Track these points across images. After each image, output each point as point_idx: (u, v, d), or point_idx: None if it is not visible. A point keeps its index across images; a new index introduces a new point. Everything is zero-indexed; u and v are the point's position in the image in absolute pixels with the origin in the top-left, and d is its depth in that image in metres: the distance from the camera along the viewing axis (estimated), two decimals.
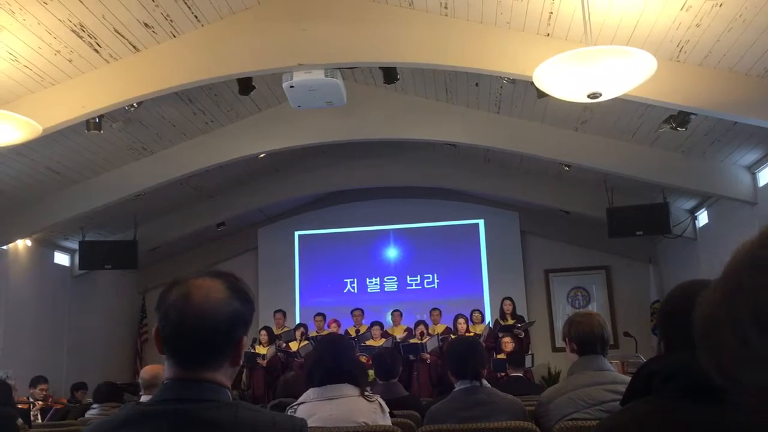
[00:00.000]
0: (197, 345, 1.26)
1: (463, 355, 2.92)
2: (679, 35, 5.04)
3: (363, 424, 2.53)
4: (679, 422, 1.20)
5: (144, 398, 3.71)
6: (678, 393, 1.22)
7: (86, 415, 5.37)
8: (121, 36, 5.53)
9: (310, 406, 2.59)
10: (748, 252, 0.61)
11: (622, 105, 6.29)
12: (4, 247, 8.65)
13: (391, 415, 2.88)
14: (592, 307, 11.45)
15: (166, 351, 1.27)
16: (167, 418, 1.20)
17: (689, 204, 9.18)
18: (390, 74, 6.54)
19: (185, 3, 5.38)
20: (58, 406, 7.12)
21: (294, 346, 9.39)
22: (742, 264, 0.61)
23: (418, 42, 5.57)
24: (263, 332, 9.58)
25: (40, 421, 6.47)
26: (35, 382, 7.48)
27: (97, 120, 6.40)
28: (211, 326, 1.26)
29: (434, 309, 10.09)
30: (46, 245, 9.59)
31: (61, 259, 10.06)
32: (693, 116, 6.19)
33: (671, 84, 5.36)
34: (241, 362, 1.33)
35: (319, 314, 10.13)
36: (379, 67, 6.52)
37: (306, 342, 9.30)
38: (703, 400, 1.20)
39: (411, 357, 8.97)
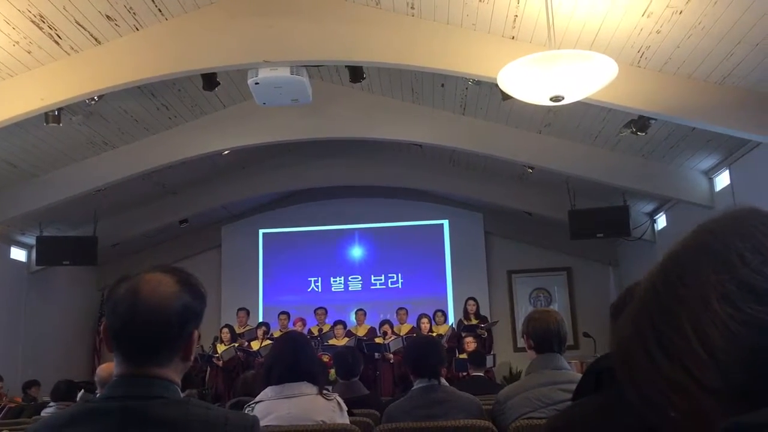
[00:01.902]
0: (147, 340, 1.24)
1: (422, 353, 2.93)
2: (640, 41, 5.13)
3: (321, 423, 2.52)
4: (628, 417, 1.22)
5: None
6: None
7: (42, 414, 5.26)
8: (83, 28, 5.42)
9: (267, 404, 2.58)
10: (649, 279, 0.64)
11: (585, 109, 6.39)
12: None
13: (351, 413, 2.87)
14: (554, 308, 11.58)
15: (115, 347, 1.25)
16: (115, 416, 1.18)
17: (648, 207, 9.35)
18: (356, 73, 6.53)
19: None
20: (12, 405, 6.96)
21: (255, 345, 9.32)
22: (645, 291, 0.64)
23: (384, 41, 5.58)
24: (225, 330, 9.50)
25: None
26: None
27: (57, 113, 6.27)
28: (161, 320, 1.24)
29: (401, 308, 10.11)
30: (1, 240, 9.36)
31: (18, 254, 9.82)
32: (653, 121, 6.31)
33: (632, 89, 5.45)
34: (193, 358, 1.31)
35: (283, 313, 10.08)
36: (346, 66, 6.51)
37: (268, 342, 9.24)
38: None
39: (376, 355, 8.97)
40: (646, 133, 6.58)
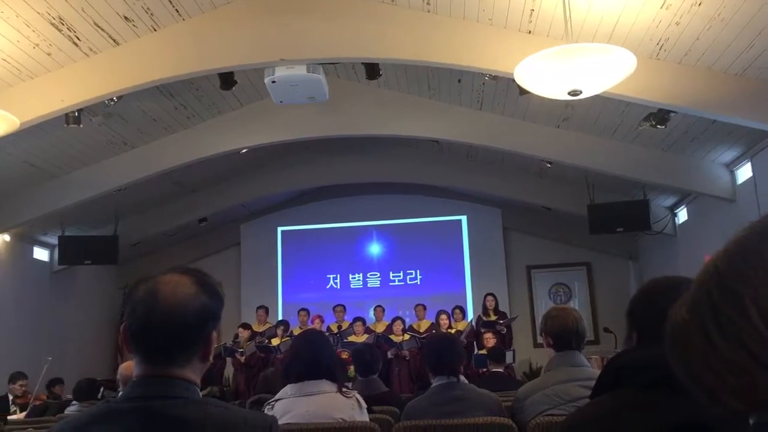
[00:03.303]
0: (166, 341, 1.25)
1: (440, 351, 2.93)
2: (658, 33, 5.07)
3: (340, 421, 2.53)
4: (647, 414, 1.21)
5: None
6: (647, 385, 1.23)
7: (65, 412, 5.34)
8: (101, 29, 5.47)
9: (287, 402, 2.59)
10: (710, 264, 0.67)
11: (603, 102, 6.33)
12: None
13: (370, 411, 2.88)
14: (574, 303, 11.52)
15: (134, 348, 1.26)
16: (135, 416, 1.19)
17: (669, 201, 9.26)
18: (372, 70, 6.53)
19: None
20: (37, 402, 7.06)
21: (275, 342, 9.37)
22: (705, 274, 0.67)
23: (400, 38, 5.57)
24: (241, 329, 9.55)
25: (19, 416, 6.41)
26: (14, 378, 7.42)
27: (77, 114, 6.33)
28: (180, 321, 1.25)
29: (419, 305, 10.10)
30: (25, 240, 9.48)
31: (41, 254, 9.94)
32: (672, 114, 6.24)
33: (651, 82, 5.40)
34: (211, 358, 1.32)
35: (302, 310, 10.11)
36: (362, 63, 6.52)
37: (287, 338, 9.28)
38: (672, 392, 1.22)
39: (389, 354, 8.97)
40: (665, 126, 6.51)
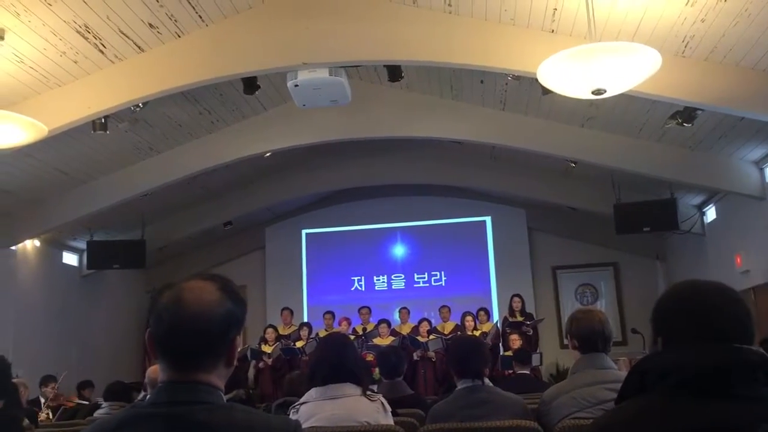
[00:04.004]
0: (191, 346, 1.26)
1: (465, 354, 2.92)
2: (684, 30, 5.01)
3: (365, 424, 2.53)
4: (673, 418, 1.20)
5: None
6: (672, 389, 1.22)
7: (95, 414, 5.40)
8: (126, 36, 5.54)
9: (312, 405, 2.60)
10: None
11: (628, 101, 6.27)
12: (13, 248, 8.70)
13: (395, 413, 2.88)
14: (600, 304, 11.42)
15: (160, 354, 1.27)
16: (161, 421, 1.20)
17: (697, 200, 9.13)
18: (394, 72, 6.53)
19: (189, 3, 5.39)
20: (69, 405, 7.16)
21: (300, 344, 9.41)
22: None
23: (422, 40, 5.56)
24: (270, 330, 9.61)
25: (51, 419, 6.51)
26: (45, 381, 7.53)
27: (103, 120, 6.42)
28: (205, 327, 1.26)
29: (443, 306, 10.07)
30: (54, 245, 9.64)
31: (70, 259, 10.11)
32: (699, 112, 6.15)
33: (677, 79, 5.33)
34: (235, 363, 1.33)
35: (328, 312, 10.12)
36: (384, 65, 6.52)
37: (312, 340, 9.31)
38: (697, 395, 1.20)
39: (415, 356, 8.96)
40: (692, 125, 6.42)
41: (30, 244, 9.10)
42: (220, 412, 1.24)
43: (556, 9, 5.09)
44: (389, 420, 2.64)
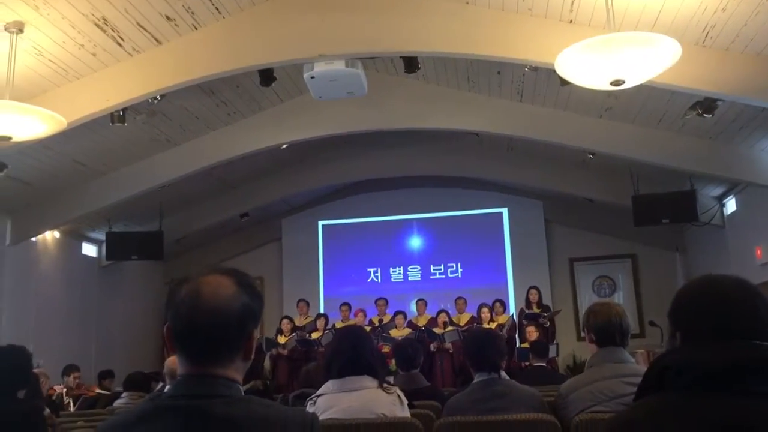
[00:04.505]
0: (208, 340, 1.27)
1: (482, 347, 2.91)
2: (705, 19, 4.94)
3: (381, 416, 2.54)
4: (691, 415, 1.19)
5: (168, 388, 3.77)
6: (691, 385, 1.21)
7: (114, 404, 5.47)
8: (144, 29, 5.56)
9: (329, 397, 2.61)
10: None
11: (647, 91, 6.20)
12: (33, 239, 8.80)
13: (411, 405, 2.88)
14: (618, 296, 11.35)
15: (178, 347, 1.29)
16: (180, 414, 1.22)
17: (717, 191, 9.03)
18: (411, 63, 6.51)
19: None
20: (90, 394, 7.25)
21: (316, 335, 9.45)
22: None
23: (439, 31, 5.53)
24: (285, 321, 9.66)
25: (72, 409, 6.59)
26: (68, 370, 7.61)
27: (122, 113, 6.46)
28: (222, 321, 1.27)
29: (459, 298, 10.07)
30: (74, 236, 9.74)
31: (89, 250, 10.21)
32: (720, 102, 6.07)
33: (697, 70, 5.26)
34: (252, 356, 1.34)
35: (344, 304, 10.15)
36: (400, 57, 6.50)
37: (327, 331, 9.35)
38: (715, 392, 1.19)
39: (432, 347, 8.97)
40: (712, 115, 6.34)
41: (50, 236, 9.21)
42: (238, 405, 1.24)
43: None
44: (406, 413, 2.65)
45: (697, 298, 1.34)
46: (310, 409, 2.61)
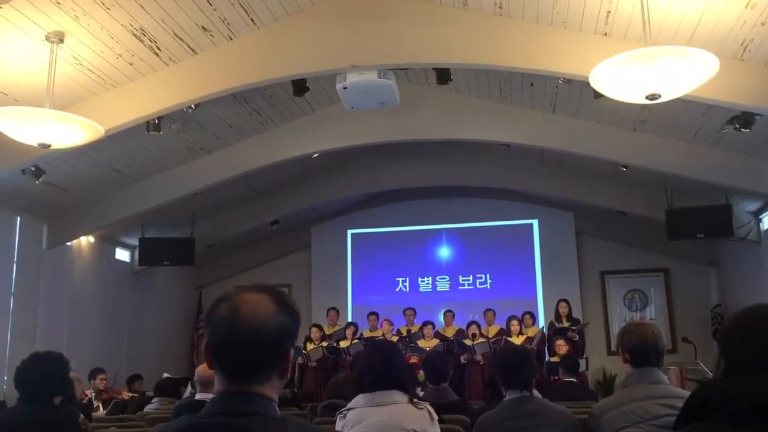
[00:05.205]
0: (246, 358, 1.28)
1: (513, 364, 2.88)
2: (743, 33, 4.86)
3: None
4: None
5: (198, 396, 3.80)
6: (731, 419, 1.19)
7: (145, 409, 5.54)
8: (180, 40, 5.65)
9: (359, 411, 2.61)
10: None
11: (683, 105, 6.10)
12: (69, 244, 8.97)
13: (441, 420, 2.87)
14: (650, 310, 11.19)
15: (216, 365, 1.30)
16: None
17: (753, 206, 8.86)
18: (443, 75, 6.50)
19: (242, 6, 5.47)
20: (119, 397, 7.34)
21: (344, 344, 9.45)
22: None
23: (472, 42, 5.52)
24: (314, 329, 9.67)
25: (102, 411, 6.68)
26: (94, 373, 7.70)
27: (157, 121, 6.57)
28: (260, 340, 1.28)
29: (488, 310, 10.00)
30: (108, 242, 9.91)
31: (122, 255, 10.37)
32: (758, 117, 5.97)
33: (734, 84, 5.17)
34: (288, 375, 1.35)
35: (372, 313, 10.15)
36: (433, 68, 6.50)
37: (356, 341, 9.34)
38: (755, 426, 1.17)
39: (462, 359, 8.92)
40: (750, 130, 6.23)
41: (85, 240, 9.37)
42: (274, 424, 1.25)
43: (609, 12, 5.00)
44: (436, 429, 2.64)
45: (747, 329, 1.31)
46: (339, 422, 2.61)
